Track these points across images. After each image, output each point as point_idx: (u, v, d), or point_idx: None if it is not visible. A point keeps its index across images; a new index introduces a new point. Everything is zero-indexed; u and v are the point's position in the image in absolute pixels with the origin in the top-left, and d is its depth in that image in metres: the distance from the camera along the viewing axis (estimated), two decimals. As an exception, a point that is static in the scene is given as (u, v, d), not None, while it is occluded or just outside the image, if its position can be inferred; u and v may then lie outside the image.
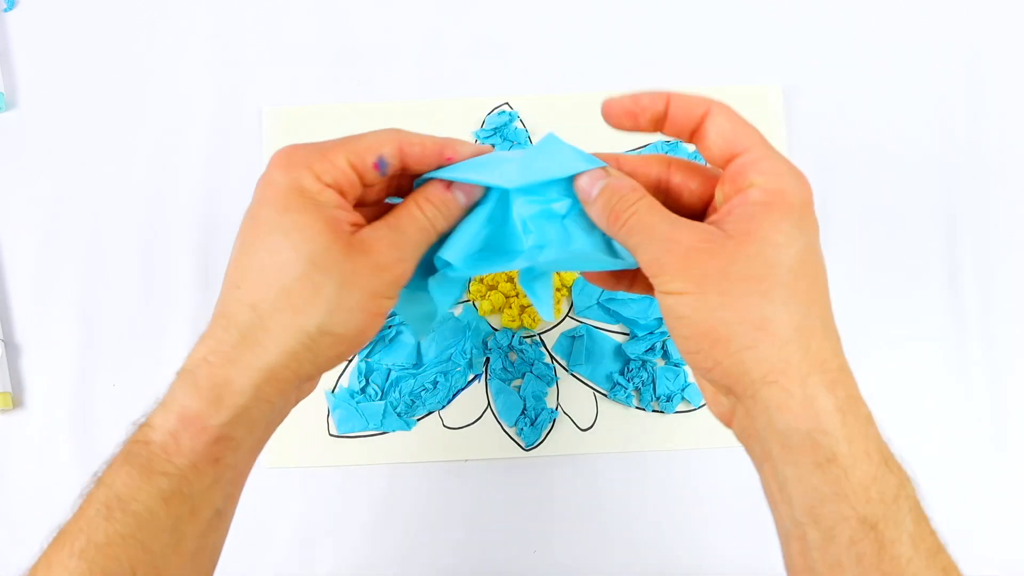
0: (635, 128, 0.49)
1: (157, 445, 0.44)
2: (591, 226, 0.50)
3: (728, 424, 0.48)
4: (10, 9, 0.81)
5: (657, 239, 0.45)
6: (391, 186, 0.52)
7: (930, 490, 0.72)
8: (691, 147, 0.76)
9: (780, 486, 0.44)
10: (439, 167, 0.50)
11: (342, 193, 0.47)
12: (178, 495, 0.43)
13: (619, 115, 0.49)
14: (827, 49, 0.80)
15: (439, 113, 0.78)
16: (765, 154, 0.46)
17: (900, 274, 0.76)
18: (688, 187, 0.50)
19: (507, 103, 0.78)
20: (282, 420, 0.48)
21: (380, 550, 0.73)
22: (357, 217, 0.48)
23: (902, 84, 0.79)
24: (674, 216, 0.47)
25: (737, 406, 0.46)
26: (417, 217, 0.49)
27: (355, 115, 0.78)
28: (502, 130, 0.76)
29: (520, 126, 0.77)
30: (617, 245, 0.49)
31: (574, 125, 0.77)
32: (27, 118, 0.79)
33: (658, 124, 0.49)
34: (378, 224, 0.48)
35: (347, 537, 0.73)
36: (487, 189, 0.50)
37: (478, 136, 0.77)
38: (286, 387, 0.46)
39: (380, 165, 0.48)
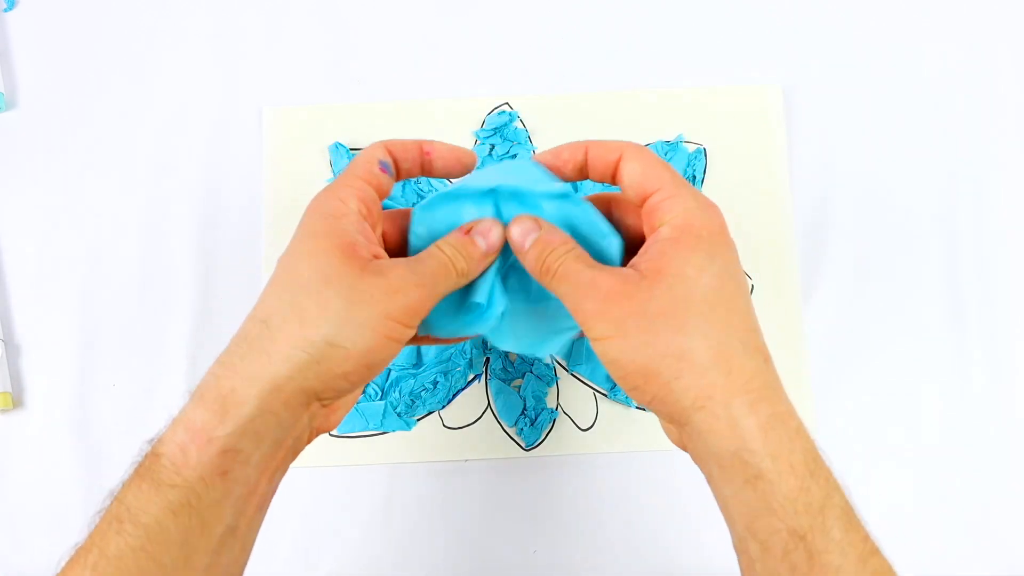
0: (563, 179, 0.53)
1: (166, 458, 0.44)
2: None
3: (684, 449, 0.50)
4: (10, 9, 0.81)
5: (579, 286, 0.48)
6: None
7: (930, 490, 0.73)
8: (691, 147, 0.77)
9: (723, 505, 0.47)
10: (422, 161, 0.53)
11: (368, 210, 0.50)
12: (187, 508, 0.44)
13: (546, 167, 0.53)
14: (827, 49, 0.80)
15: (439, 113, 0.78)
16: (674, 192, 0.49)
17: (900, 274, 0.76)
18: (624, 224, 0.54)
19: (507, 103, 0.77)
20: (295, 443, 0.49)
21: (380, 550, 0.72)
22: (378, 249, 0.50)
23: (902, 84, 0.79)
24: (596, 263, 0.49)
25: (681, 432, 0.48)
26: (436, 255, 0.50)
27: (355, 115, 0.78)
28: (502, 130, 0.76)
29: (520, 126, 0.77)
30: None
31: (573, 125, 0.77)
32: (27, 118, 0.79)
33: (583, 173, 0.52)
34: (399, 259, 0.50)
35: (347, 537, 0.73)
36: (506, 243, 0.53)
37: (478, 136, 0.77)
38: (292, 401, 0.46)
39: (384, 166, 0.52)
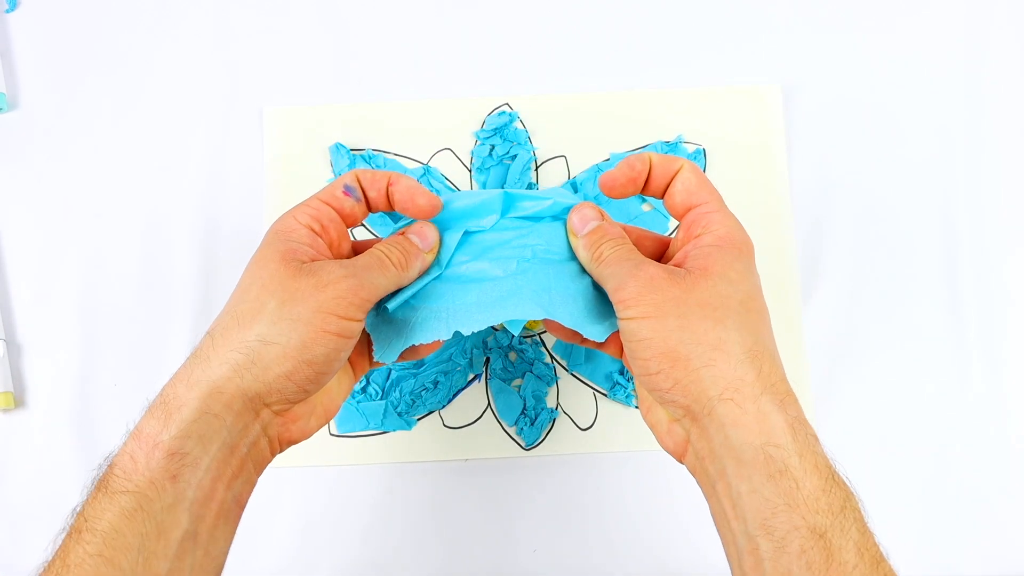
0: (635, 192, 0.56)
1: (118, 467, 0.46)
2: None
3: (680, 458, 0.52)
4: (12, 10, 0.81)
5: (625, 269, 0.51)
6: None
7: (930, 490, 0.73)
8: (691, 148, 0.77)
9: (734, 503, 0.47)
10: (388, 189, 0.55)
11: (322, 227, 0.53)
12: (140, 512, 0.45)
13: (623, 184, 0.55)
14: (826, 49, 0.80)
15: (439, 113, 0.78)
16: (719, 208, 0.53)
17: (899, 274, 0.76)
18: (643, 245, 0.57)
19: (507, 103, 0.78)
20: (252, 452, 0.51)
21: (380, 549, 0.73)
22: (325, 252, 0.53)
23: (901, 83, 0.79)
24: (645, 257, 0.53)
25: (692, 429, 0.49)
26: (371, 251, 0.54)
27: (355, 115, 0.78)
28: (502, 130, 0.76)
29: (520, 126, 0.77)
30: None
31: (574, 126, 0.77)
32: (28, 118, 0.79)
33: (639, 186, 0.55)
34: (341, 260, 0.52)
35: (347, 536, 0.73)
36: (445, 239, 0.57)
37: (478, 136, 0.77)
38: (234, 403, 0.48)
39: (348, 190, 0.54)
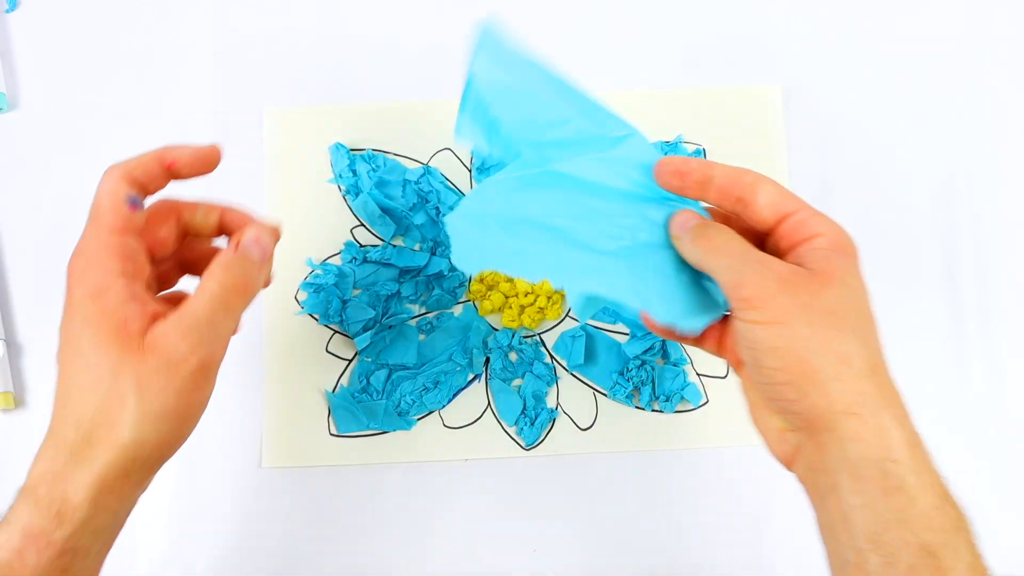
0: (681, 189, 0.52)
1: (3, 563, 0.45)
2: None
3: (789, 465, 0.50)
4: (12, 10, 0.81)
5: (747, 263, 0.48)
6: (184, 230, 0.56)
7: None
8: (691, 148, 0.77)
9: (843, 516, 0.45)
10: (168, 173, 0.52)
11: (132, 263, 0.49)
12: None
13: (670, 172, 0.52)
14: (826, 50, 0.80)
15: (439, 113, 0.78)
16: (815, 212, 0.50)
17: (899, 274, 0.76)
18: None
19: (508, 103, 0.77)
20: (129, 514, 0.50)
21: (380, 549, 0.73)
22: (154, 306, 0.49)
23: (901, 84, 0.79)
24: (764, 253, 0.49)
25: (806, 442, 0.48)
26: (208, 289, 0.50)
27: (355, 115, 0.78)
28: (502, 130, 0.76)
29: (520, 126, 0.77)
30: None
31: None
32: (28, 118, 0.79)
33: (703, 189, 0.51)
34: (171, 315, 0.49)
35: (347, 536, 0.73)
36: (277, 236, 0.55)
37: (478, 136, 0.77)
38: (123, 493, 0.48)
39: (133, 203, 0.50)
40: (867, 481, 0.45)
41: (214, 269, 0.51)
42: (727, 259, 0.49)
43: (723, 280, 0.48)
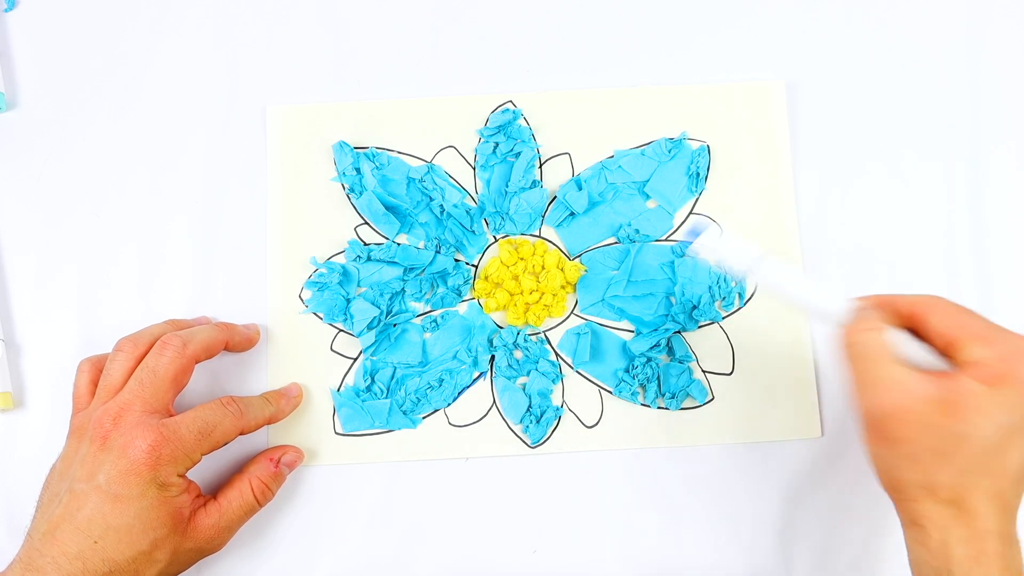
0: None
1: None
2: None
3: None
4: (10, 9, 0.81)
5: (878, 376, 0.54)
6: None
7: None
8: (695, 144, 0.77)
9: None
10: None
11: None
12: None
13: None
14: (830, 45, 0.80)
15: (443, 111, 0.78)
16: (990, 335, 0.54)
17: (904, 271, 0.76)
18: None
19: (511, 101, 0.77)
20: None
21: (384, 547, 0.72)
22: (195, 495, 0.65)
23: (906, 80, 0.79)
24: (900, 363, 0.54)
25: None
26: (244, 495, 0.67)
27: (359, 113, 0.77)
28: (506, 128, 0.76)
29: (524, 124, 0.77)
30: None
31: (577, 123, 0.78)
32: (27, 118, 0.79)
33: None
34: (212, 507, 0.65)
35: (351, 534, 0.72)
36: None
37: (482, 134, 0.77)
38: None
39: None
40: None
41: (253, 480, 0.68)
42: (861, 364, 0.55)
43: (852, 381, 0.56)
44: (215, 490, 0.68)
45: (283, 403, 0.71)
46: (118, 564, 0.59)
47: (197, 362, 0.68)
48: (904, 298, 0.57)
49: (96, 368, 0.69)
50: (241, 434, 0.67)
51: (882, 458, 0.55)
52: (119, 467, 0.60)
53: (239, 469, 0.70)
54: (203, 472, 0.69)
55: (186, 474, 0.63)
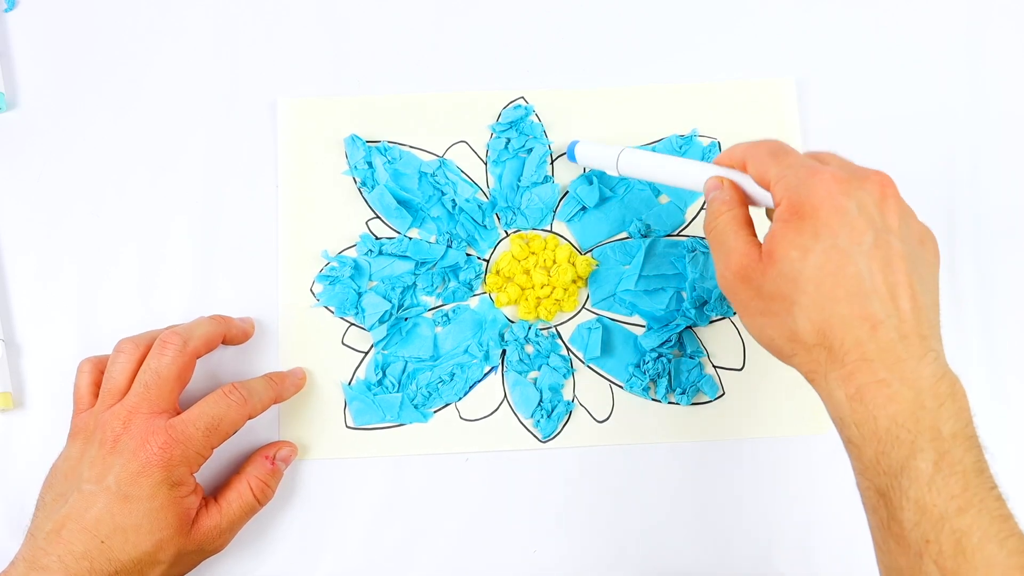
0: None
1: None
2: None
3: None
4: (10, 9, 0.80)
5: (721, 253, 0.57)
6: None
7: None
8: (705, 141, 0.78)
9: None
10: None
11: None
12: None
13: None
14: (840, 41, 0.81)
15: (455, 106, 0.78)
16: (780, 173, 0.55)
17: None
18: None
19: (523, 97, 0.78)
20: None
21: (394, 541, 0.72)
22: (201, 496, 0.65)
23: (916, 76, 0.80)
24: (745, 225, 0.58)
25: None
26: (245, 497, 0.67)
27: (371, 107, 0.78)
28: (518, 124, 0.77)
29: (536, 120, 0.78)
30: None
31: (588, 120, 0.78)
32: (27, 118, 0.78)
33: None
34: (214, 509, 0.66)
35: (364, 526, 0.72)
36: None
37: (494, 129, 0.77)
38: None
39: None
40: (839, 436, 0.53)
41: (251, 480, 0.68)
42: (712, 244, 0.59)
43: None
44: (214, 491, 0.67)
45: (287, 383, 0.71)
46: (123, 564, 0.60)
47: (198, 357, 0.68)
48: (735, 151, 0.60)
49: (97, 368, 0.68)
50: (249, 419, 0.67)
51: (753, 327, 0.56)
52: (130, 469, 0.61)
53: (237, 470, 0.69)
54: (203, 472, 0.67)
55: (194, 474, 0.64)
